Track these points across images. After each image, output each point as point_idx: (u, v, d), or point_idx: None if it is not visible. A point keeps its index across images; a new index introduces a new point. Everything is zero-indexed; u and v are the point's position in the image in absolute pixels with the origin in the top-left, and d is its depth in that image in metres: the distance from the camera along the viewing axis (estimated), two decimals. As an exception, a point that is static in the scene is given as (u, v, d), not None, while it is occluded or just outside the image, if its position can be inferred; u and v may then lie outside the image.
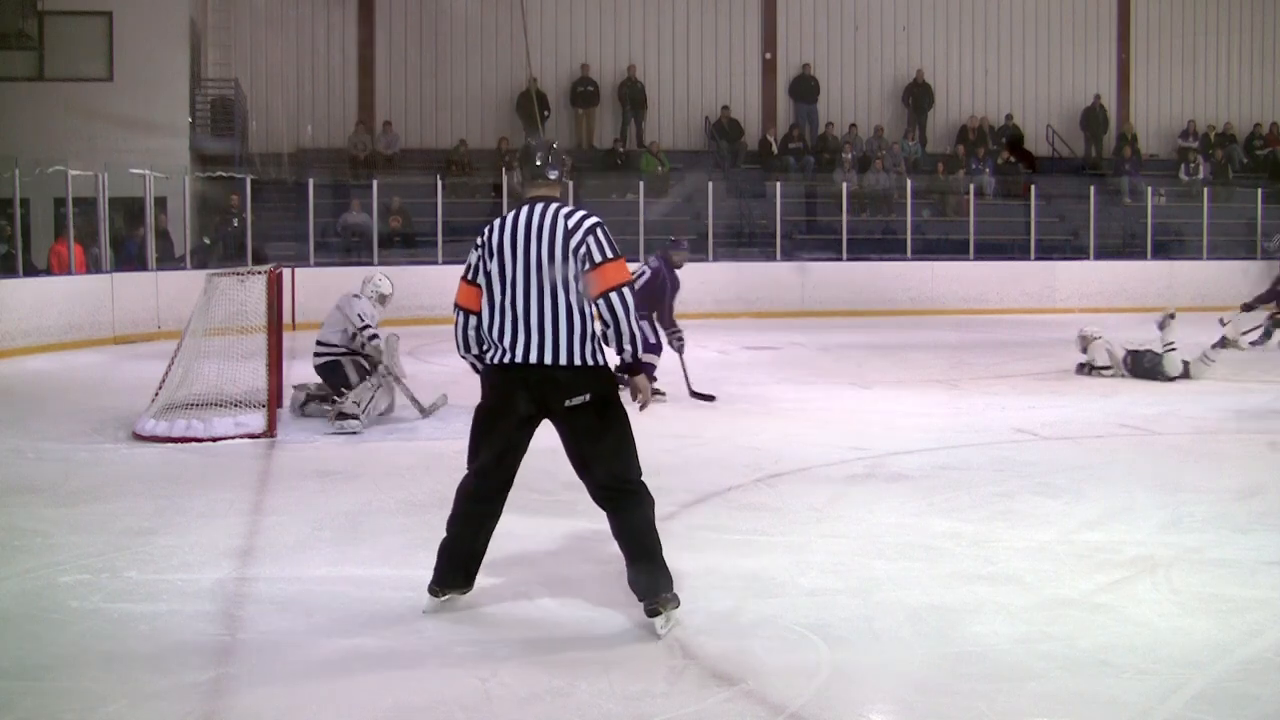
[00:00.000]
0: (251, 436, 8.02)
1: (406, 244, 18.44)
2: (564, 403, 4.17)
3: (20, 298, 13.41)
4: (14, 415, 9.18)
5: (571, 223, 4.19)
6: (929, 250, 20.25)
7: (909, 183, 20.39)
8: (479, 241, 4.32)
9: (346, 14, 21.74)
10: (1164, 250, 20.88)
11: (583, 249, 4.16)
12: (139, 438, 7.99)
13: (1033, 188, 20.88)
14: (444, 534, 4.45)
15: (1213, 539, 5.48)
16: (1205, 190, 21.61)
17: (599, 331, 4.23)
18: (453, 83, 22.08)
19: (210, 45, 20.89)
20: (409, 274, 15.32)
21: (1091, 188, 20.79)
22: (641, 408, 4.38)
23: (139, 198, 15.53)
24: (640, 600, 4.26)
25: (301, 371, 9.68)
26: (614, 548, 5.26)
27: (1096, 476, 6.90)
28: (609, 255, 4.18)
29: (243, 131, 20.20)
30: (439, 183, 18.18)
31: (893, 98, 23.66)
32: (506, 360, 4.21)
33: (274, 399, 8.37)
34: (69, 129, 16.95)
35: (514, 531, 5.55)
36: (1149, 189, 21.33)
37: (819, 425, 8.72)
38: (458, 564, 4.42)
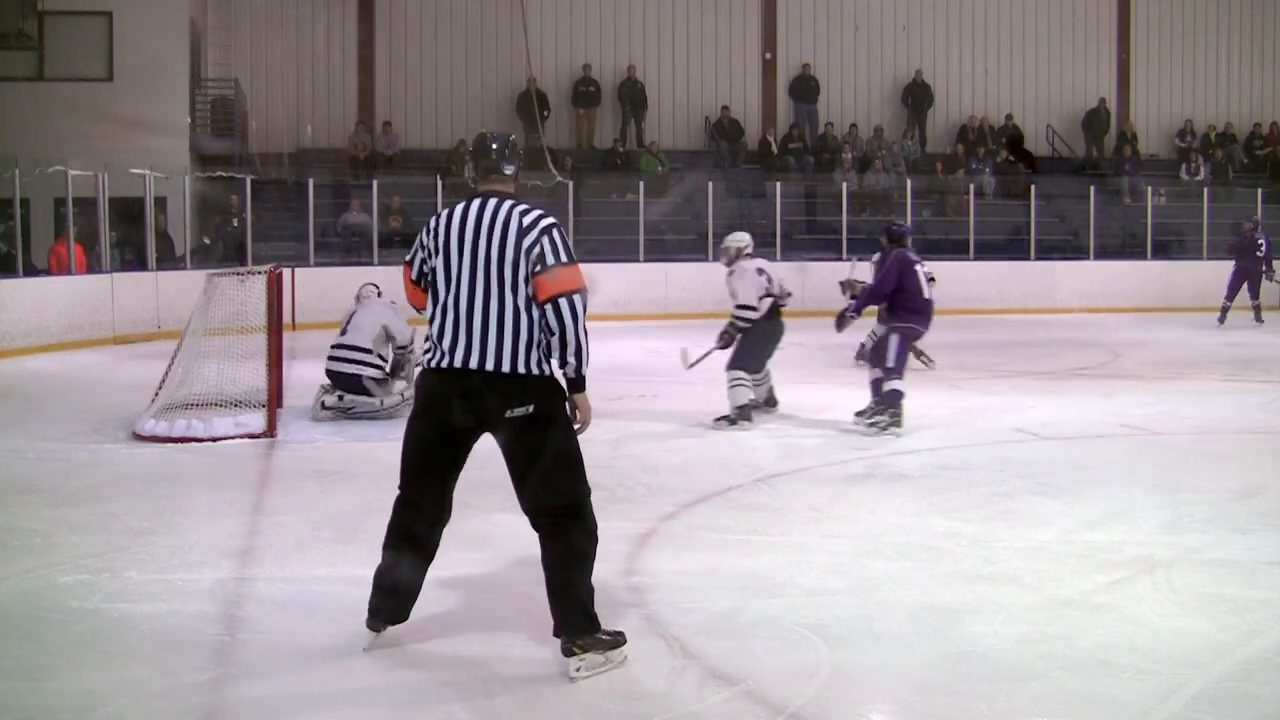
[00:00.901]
0: (251, 436, 8.02)
1: (406, 244, 18.25)
2: (504, 413, 3.79)
3: (20, 298, 13.41)
4: (14, 415, 9.18)
5: (527, 221, 3.83)
6: (929, 250, 20.04)
7: (909, 183, 20.39)
8: (423, 239, 3.98)
9: (346, 14, 21.73)
10: (1164, 250, 20.88)
11: (536, 249, 3.80)
12: (139, 438, 7.98)
13: (1033, 188, 20.87)
14: (380, 559, 4.10)
15: (1213, 539, 5.48)
16: (1205, 190, 21.62)
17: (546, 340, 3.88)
18: (453, 83, 22.07)
19: (210, 45, 20.88)
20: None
21: (1091, 188, 20.79)
22: (579, 429, 3.96)
23: (139, 198, 15.53)
24: (556, 635, 3.89)
25: (301, 372, 9.69)
26: (616, 547, 5.29)
27: (1096, 476, 6.90)
28: (563, 259, 3.81)
29: (243, 131, 20.20)
30: (439, 183, 18.17)
31: (893, 98, 23.66)
32: (444, 364, 3.83)
33: (274, 399, 8.37)
34: (69, 129, 16.93)
35: (515, 531, 5.54)
36: (1149, 189, 21.33)
37: (819, 425, 8.72)
38: (391, 593, 4.06)
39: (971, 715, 3.58)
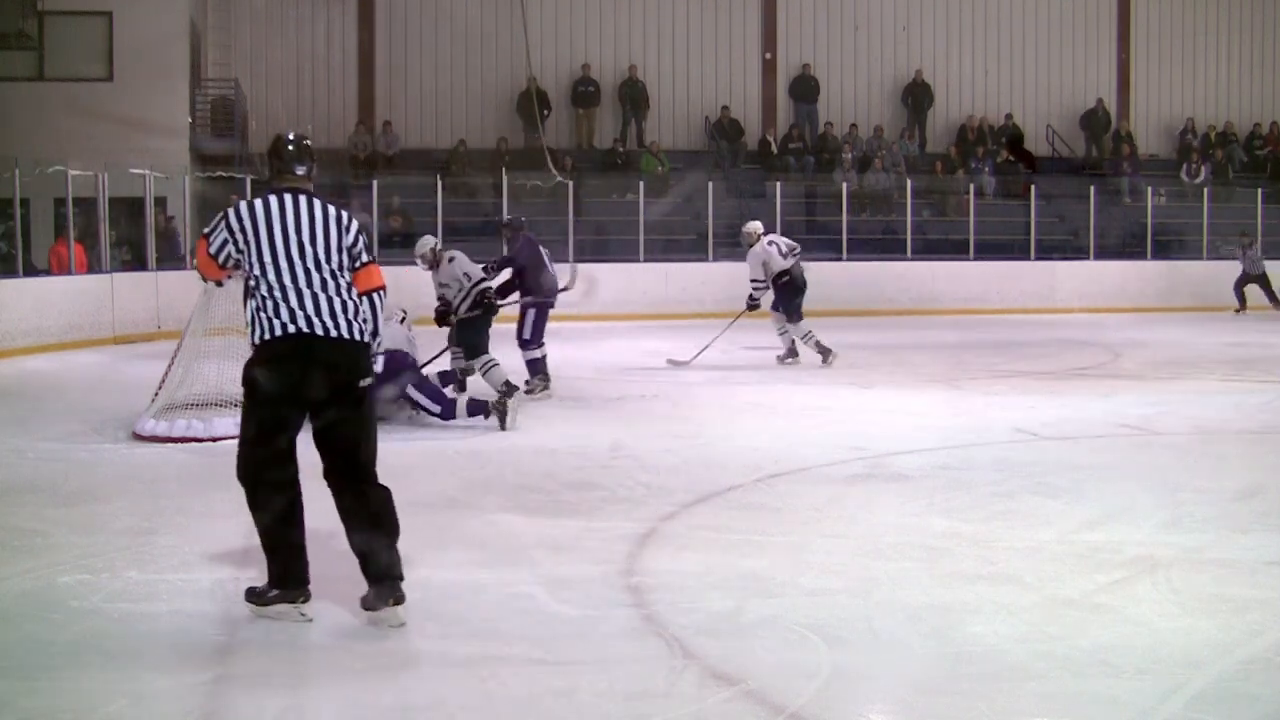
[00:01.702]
0: (251, 436, 8.00)
1: (406, 244, 18.41)
2: (357, 381, 4.18)
3: (20, 298, 13.41)
4: (14, 415, 9.18)
5: (345, 217, 4.30)
6: (929, 250, 20.25)
7: (909, 183, 20.39)
8: (231, 223, 4.26)
9: (346, 14, 21.74)
10: (1164, 250, 20.89)
11: (357, 245, 4.29)
12: (139, 438, 7.98)
13: (1033, 188, 20.89)
14: (263, 537, 4.32)
15: (1213, 539, 5.47)
16: (1205, 190, 21.63)
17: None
18: (453, 83, 22.08)
19: (210, 45, 20.89)
20: (408, 274, 15.30)
21: (1091, 188, 20.81)
22: None
23: (139, 198, 15.53)
24: (379, 579, 4.21)
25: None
26: (616, 547, 5.29)
27: (1096, 476, 6.90)
28: (372, 256, 4.35)
29: (243, 131, 20.20)
30: (439, 183, 18.18)
31: (892, 98, 23.66)
32: (293, 330, 4.12)
33: (274, 399, 8.36)
34: (69, 129, 16.92)
35: (514, 531, 5.56)
36: (1149, 189, 21.34)
37: (819, 425, 8.71)
38: (289, 555, 4.29)
39: (971, 715, 3.57)
